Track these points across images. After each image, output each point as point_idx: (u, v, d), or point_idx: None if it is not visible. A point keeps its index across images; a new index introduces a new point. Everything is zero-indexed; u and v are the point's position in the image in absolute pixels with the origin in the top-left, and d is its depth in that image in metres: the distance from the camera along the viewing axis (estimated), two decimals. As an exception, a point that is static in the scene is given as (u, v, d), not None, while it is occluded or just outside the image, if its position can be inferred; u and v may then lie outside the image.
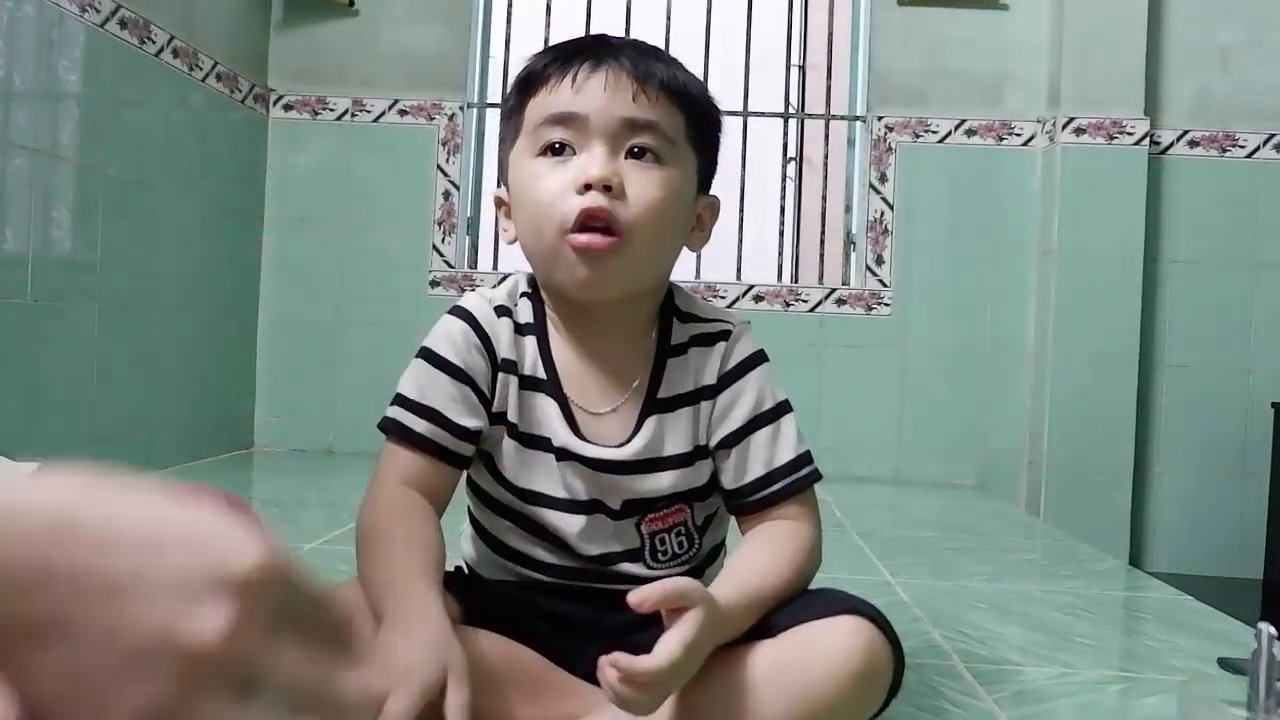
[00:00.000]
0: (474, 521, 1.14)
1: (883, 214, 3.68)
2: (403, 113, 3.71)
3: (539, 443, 1.06)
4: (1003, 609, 1.94)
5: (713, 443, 1.07)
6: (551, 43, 3.95)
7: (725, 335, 1.09)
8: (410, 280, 3.69)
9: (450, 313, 1.08)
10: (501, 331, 1.07)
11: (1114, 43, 3.46)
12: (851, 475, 3.51)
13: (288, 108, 3.72)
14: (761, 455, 1.06)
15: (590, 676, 0.98)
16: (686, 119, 1.04)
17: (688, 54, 4.38)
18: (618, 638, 1.01)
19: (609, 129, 0.99)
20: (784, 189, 4.12)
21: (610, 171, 0.97)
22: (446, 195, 3.71)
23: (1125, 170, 3.44)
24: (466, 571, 1.17)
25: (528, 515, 1.07)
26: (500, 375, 1.06)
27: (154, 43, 2.94)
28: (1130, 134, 3.44)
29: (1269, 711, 0.81)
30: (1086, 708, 1.40)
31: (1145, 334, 3.46)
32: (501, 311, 1.08)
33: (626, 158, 0.99)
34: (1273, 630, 0.84)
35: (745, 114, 3.86)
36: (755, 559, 1.00)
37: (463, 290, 3.67)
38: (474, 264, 3.95)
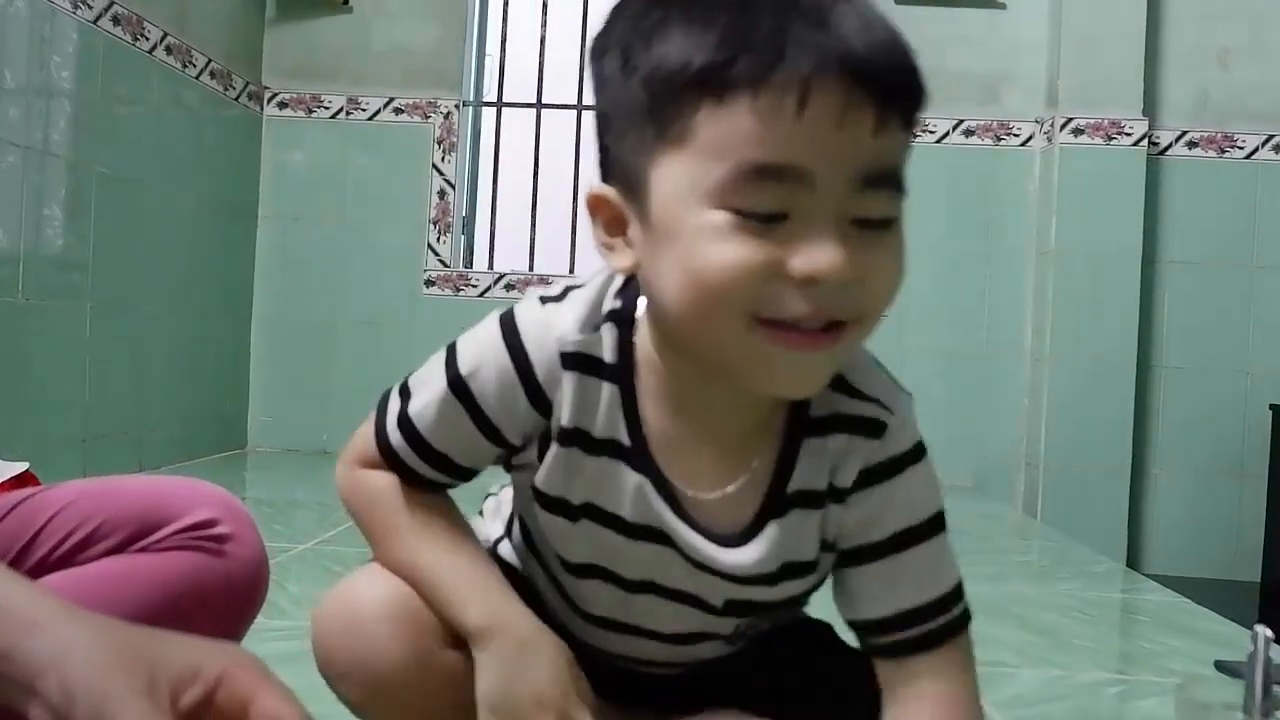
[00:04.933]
0: (512, 525, 0.95)
1: (880, 214, 3.66)
2: (398, 110, 3.70)
3: (599, 516, 0.82)
4: (999, 611, 1.92)
5: (841, 549, 0.83)
6: (544, 37, 3.99)
7: (879, 429, 0.80)
8: (405, 279, 3.67)
9: (504, 336, 0.80)
10: (567, 393, 0.79)
11: (1112, 43, 3.45)
12: (848, 476, 3.49)
13: (282, 105, 3.71)
14: (907, 582, 0.80)
15: (607, 692, 0.89)
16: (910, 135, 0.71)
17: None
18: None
19: (844, 190, 0.66)
20: (781, 189, 4.10)
21: (849, 263, 0.66)
22: (442, 194, 3.70)
23: (1123, 171, 3.43)
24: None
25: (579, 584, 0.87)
26: (556, 446, 0.81)
27: (147, 39, 2.93)
28: (1129, 134, 3.43)
29: (1265, 714, 0.80)
30: (1083, 710, 1.39)
31: (1143, 335, 3.45)
32: (574, 362, 0.78)
33: (854, 224, 0.68)
34: (1269, 633, 0.83)
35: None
36: None
37: (458, 290, 3.66)
38: (469, 263, 3.94)
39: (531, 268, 3.82)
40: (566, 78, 3.85)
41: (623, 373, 0.79)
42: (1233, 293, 3.48)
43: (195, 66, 3.20)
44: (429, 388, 0.83)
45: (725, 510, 0.80)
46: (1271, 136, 3.49)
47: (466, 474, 0.85)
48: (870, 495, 0.80)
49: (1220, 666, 1.61)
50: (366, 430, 0.89)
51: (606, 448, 0.79)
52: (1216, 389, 3.47)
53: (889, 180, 0.68)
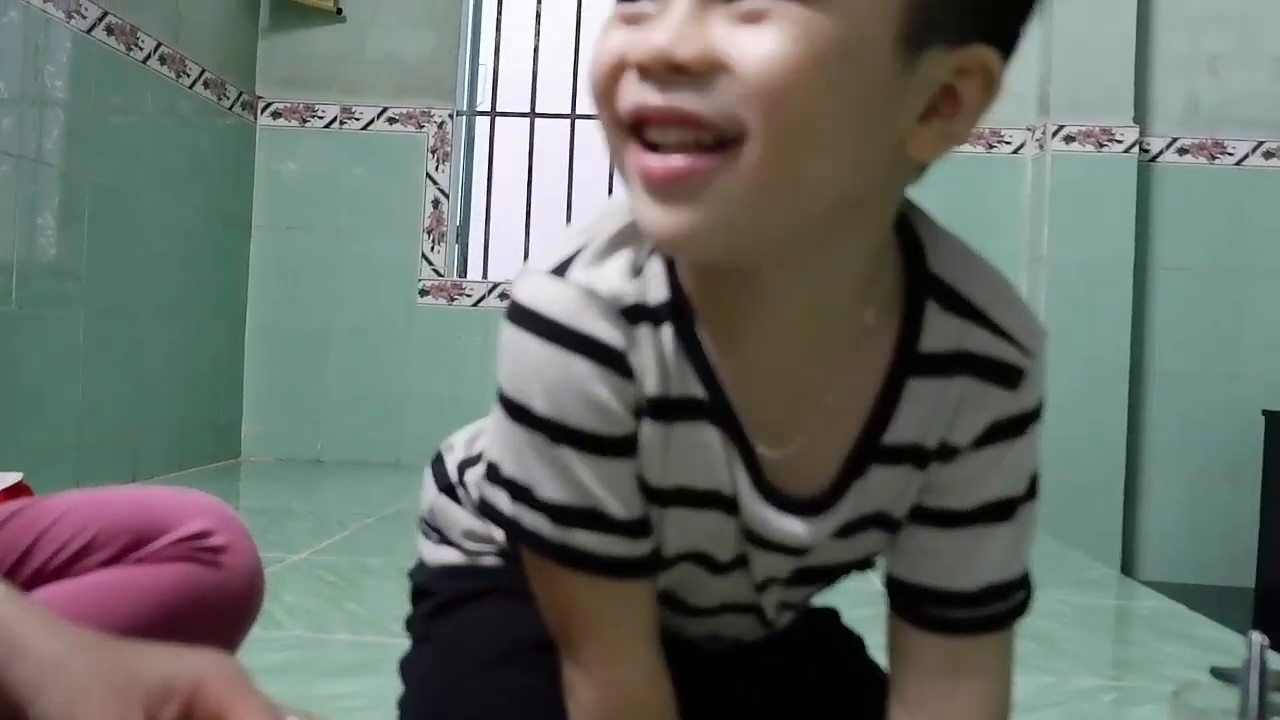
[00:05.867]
0: None
1: (873, 222, 3.67)
2: (392, 120, 3.70)
3: (693, 497, 0.65)
4: (994, 617, 1.93)
5: (922, 505, 0.68)
6: (538, 46, 3.99)
7: (1016, 378, 0.67)
8: (399, 289, 3.67)
9: (551, 340, 0.60)
10: (646, 353, 0.61)
11: (1103, 50, 3.46)
12: (842, 483, 3.49)
13: (276, 115, 3.71)
14: (995, 554, 0.68)
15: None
16: None
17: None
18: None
19: None
20: (774, 197, 4.11)
21: (676, 37, 0.51)
22: (436, 203, 3.70)
23: (1115, 178, 3.44)
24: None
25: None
26: (645, 424, 0.63)
27: (141, 49, 2.93)
28: (1120, 141, 3.44)
29: (1261, 721, 0.80)
30: (1078, 717, 1.39)
31: (1135, 341, 3.46)
32: (636, 316, 0.61)
33: (735, 15, 0.51)
34: (1264, 639, 0.83)
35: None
36: None
37: (452, 299, 3.66)
38: (463, 273, 3.94)
39: (525, 276, 3.82)
40: (560, 87, 3.86)
41: (676, 307, 0.61)
42: (1224, 298, 3.50)
43: (189, 76, 3.20)
44: (543, 465, 0.62)
45: (804, 467, 0.64)
46: (1261, 143, 3.50)
47: (646, 526, 0.65)
48: (981, 455, 0.65)
49: (1216, 673, 1.61)
50: (551, 589, 0.66)
51: (686, 408, 0.62)
52: (1209, 394, 3.48)
53: None
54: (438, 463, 0.82)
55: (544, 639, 0.68)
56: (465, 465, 0.79)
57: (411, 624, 0.82)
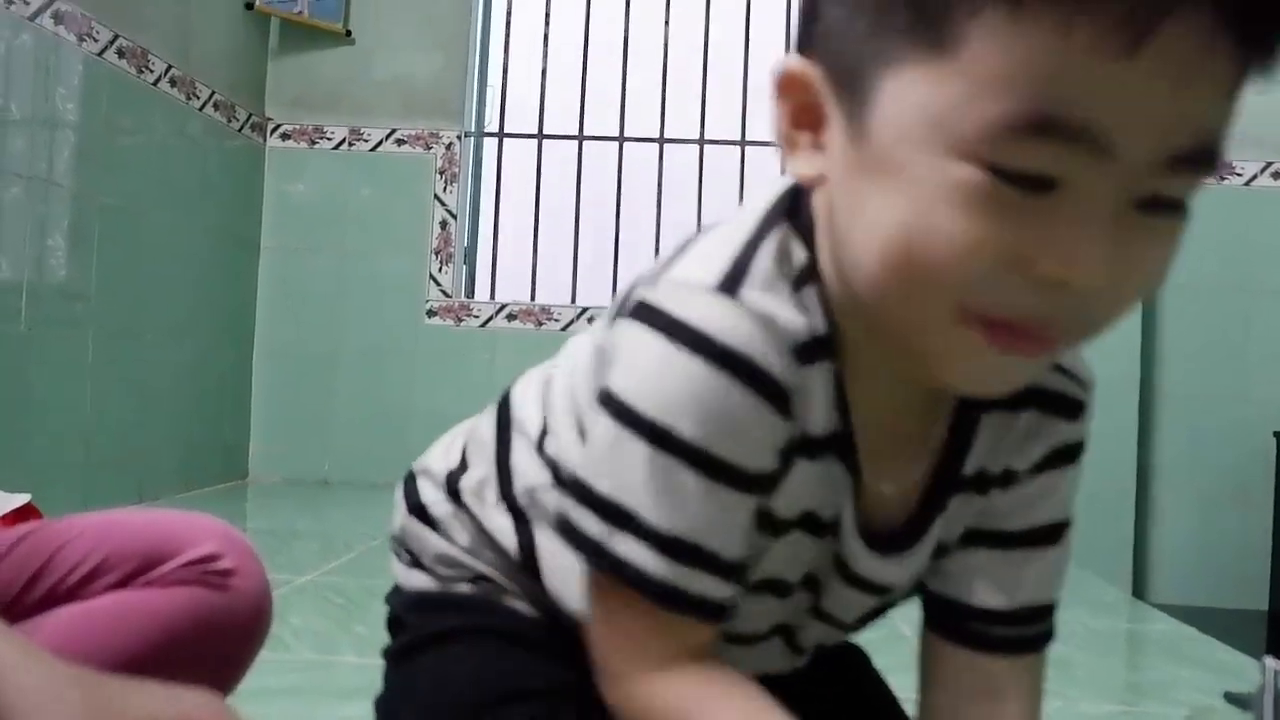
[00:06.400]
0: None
1: (880, 242, 3.67)
2: (400, 142, 3.72)
3: (805, 523, 0.63)
4: (1004, 640, 1.92)
5: (975, 528, 0.68)
6: (546, 69, 4.02)
7: (1077, 411, 0.66)
8: (407, 309, 3.68)
9: (720, 366, 0.54)
10: (814, 390, 0.58)
11: (1110, 72, 3.47)
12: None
13: (285, 136, 3.73)
14: (1039, 576, 0.68)
15: None
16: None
17: (685, 88, 4.33)
18: None
19: (1145, 165, 0.47)
20: (782, 217, 4.11)
21: (1111, 267, 0.48)
22: (444, 224, 3.71)
23: (1123, 198, 3.44)
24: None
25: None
26: (805, 462, 0.60)
27: (151, 71, 2.95)
28: (1127, 162, 3.44)
29: (1276, 746, 0.79)
30: (1090, 742, 1.38)
31: (1145, 359, 3.45)
32: (810, 354, 0.57)
33: (1140, 209, 0.49)
34: (1279, 664, 0.82)
35: (743, 143, 3.87)
36: None
37: (459, 320, 3.67)
38: (470, 294, 3.95)
39: (533, 298, 3.82)
40: (568, 108, 3.87)
41: (835, 342, 0.58)
42: (1233, 318, 3.49)
43: (199, 98, 3.22)
44: (662, 486, 0.56)
45: (888, 502, 0.64)
46: (1270, 164, 3.50)
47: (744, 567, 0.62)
48: (1038, 480, 0.66)
49: (1229, 698, 1.60)
50: (618, 619, 0.61)
51: (827, 442, 0.60)
52: (1218, 414, 3.47)
53: (1204, 156, 0.48)
54: (409, 482, 0.81)
55: (511, 690, 0.66)
56: (455, 476, 0.76)
57: (386, 657, 0.78)
